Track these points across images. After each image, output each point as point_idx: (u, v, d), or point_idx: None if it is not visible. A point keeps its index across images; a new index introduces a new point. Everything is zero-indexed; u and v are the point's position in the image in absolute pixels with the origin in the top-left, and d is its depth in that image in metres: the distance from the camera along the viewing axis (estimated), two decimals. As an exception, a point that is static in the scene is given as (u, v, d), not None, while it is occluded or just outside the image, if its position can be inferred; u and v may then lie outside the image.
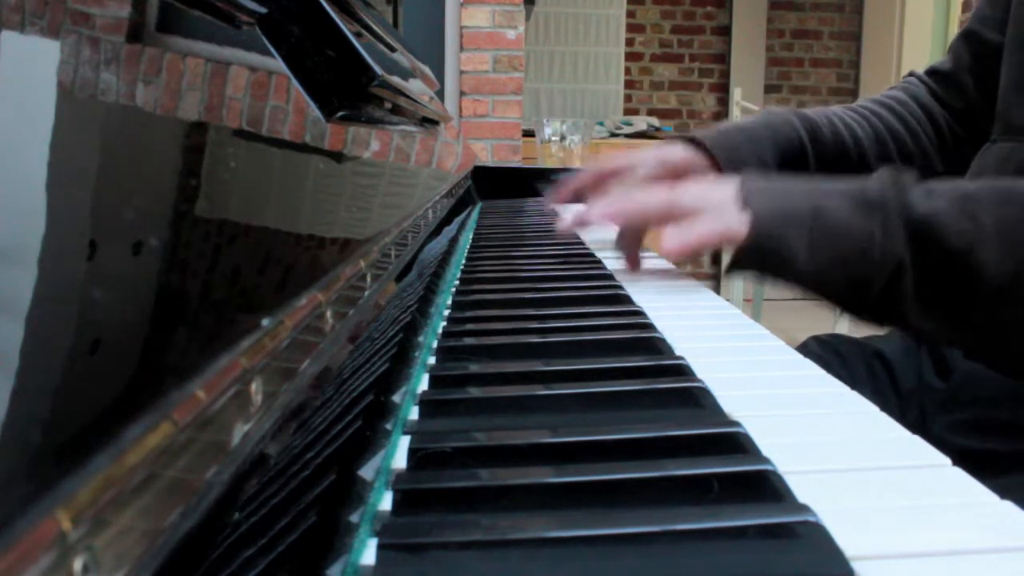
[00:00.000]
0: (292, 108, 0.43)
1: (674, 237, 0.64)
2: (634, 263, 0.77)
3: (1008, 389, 0.67)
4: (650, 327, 0.49)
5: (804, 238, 0.61)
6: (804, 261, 0.61)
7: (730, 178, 0.66)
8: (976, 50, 0.89)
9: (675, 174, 0.89)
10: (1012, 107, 0.77)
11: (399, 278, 0.53)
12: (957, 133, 0.93)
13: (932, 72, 0.96)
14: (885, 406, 0.37)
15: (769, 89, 4.92)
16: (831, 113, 0.94)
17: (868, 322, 0.65)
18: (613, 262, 0.77)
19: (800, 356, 0.47)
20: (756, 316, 3.08)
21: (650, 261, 0.83)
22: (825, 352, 0.82)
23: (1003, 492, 0.28)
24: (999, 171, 0.72)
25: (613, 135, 3.94)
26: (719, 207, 0.63)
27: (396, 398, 0.35)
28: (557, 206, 1.06)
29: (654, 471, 0.28)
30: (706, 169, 0.88)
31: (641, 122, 4.08)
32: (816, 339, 0.85)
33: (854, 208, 0.61)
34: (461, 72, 2.98)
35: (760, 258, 0.62)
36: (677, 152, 0.91)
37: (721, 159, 0.88)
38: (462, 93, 2.98)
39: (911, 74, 0.99)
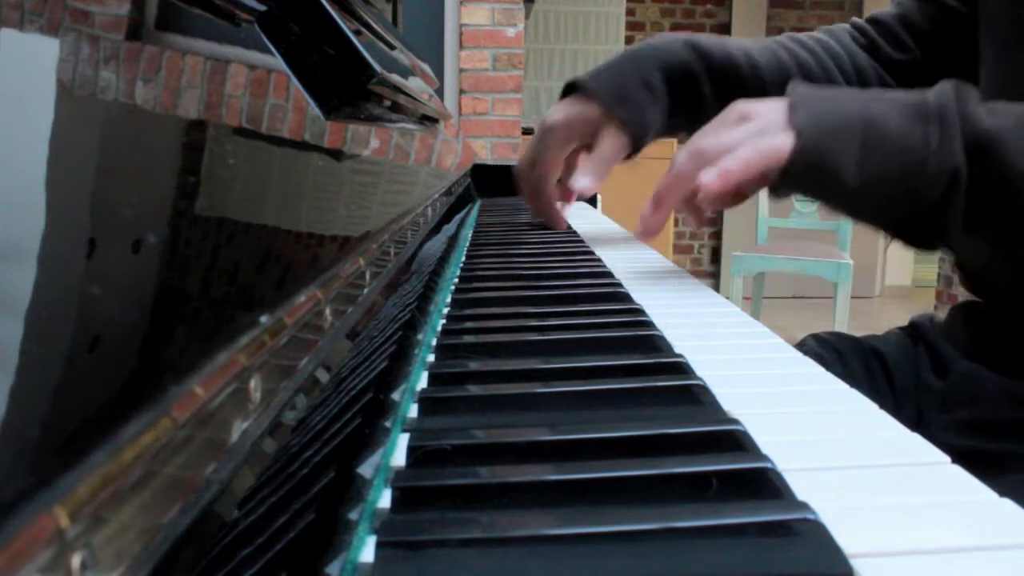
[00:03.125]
0: (291, 106, 0.43)
1: (710, 172, 0.60)
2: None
3: (1006, 389, 0.67)
4: (649, 325, 0.49)
5: (855, 149, 0.58)
6: (853, 174, 0.58)
7: (775, 100, 0.62)
8: (931, 13, 0.86)
9: (571, 136, 0.89)
10: (999, 100, 0.76)
11: (398, 276, 0.53)
12: (886, 80, 0.90)
13: (873, 20, 0.93)
14: (882, 404, 0.37)
15: (769, 87, 4.92)
16: (727, 41, 0.92)
17: (911, 243, 0.62)
18: (612, 261, 0.77)
19: (799, 354, 0.47)
20: (755, 314, 3.09)
21: (650, 261, 0.84)
22: (823, 350, 0.82)
23: (1001, 492, 0.28)
24: None
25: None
26: (764, 127, 0.60)
27: (395, 396, 0.35)
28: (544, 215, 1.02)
29: (653, 469, 0.28)
30: (599, 118, 0.87)
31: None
32: (814, 337, 0.85)
33: (910, 116, 0.58)
34: (461, 70, 2.98)
35: (806, 174, 0.59)
36: (565, 112, 0.90)
37: (611, 103, 0.86)
38: (461, 91, 2.98)
39: (851, 22, 0.97)
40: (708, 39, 0.91)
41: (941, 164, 0.56)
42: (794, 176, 0.60)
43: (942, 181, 0.57)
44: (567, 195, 0.97)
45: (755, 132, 0.61)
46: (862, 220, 0.63)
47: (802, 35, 0.94)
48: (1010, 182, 0.55)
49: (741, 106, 0.65)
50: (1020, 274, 0.65)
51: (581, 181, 0.83)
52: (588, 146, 0.90)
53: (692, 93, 0.88)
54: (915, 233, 0.61)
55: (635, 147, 0.88)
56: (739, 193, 0.65)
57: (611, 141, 0.86)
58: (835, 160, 0.58)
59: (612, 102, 0.86)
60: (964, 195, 0.56)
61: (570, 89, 0.91)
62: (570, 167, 0.94)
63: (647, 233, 0.74)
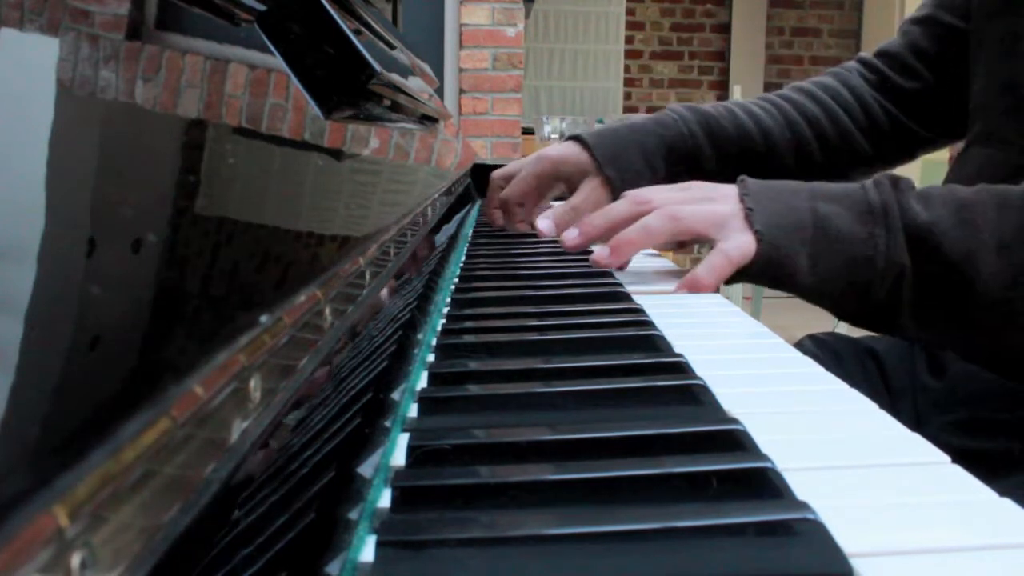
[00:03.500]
0: (291, 105, 0.43)
1: (696, 281, 0.64)
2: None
3: (1003, 389, 0.67)
4: (649, 324, 0.49)
5: (807, 249, 0.61)
6: (807, 271, 0.61)
7: (727, 187, 0.66)
8: (936, 33, 0.88)
9: (557, 174, 0.90)
10: (989, 112, 0.77)
11: (398, 275, 0.53)
12: (894, 115, 0.92)
13: (882, 53, 0.94)
14: (879, 405, 0.37)
15: (769, 87, 4.92)
16: (734, 105, 0.93)
17: (867, 328, 0.65)
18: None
19: (799, 354, 0.47)
20: (755, 314, 3.08)
21: (650, 261, 0.84)
22: (820, 350, 0.82)
23: (1000, 492, 0.28)
24: (983, 178, 0.72)
25: (613, 133, 3.93)
26: (724, 224, 0.63)
27: (395, 395, 0.35)
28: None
29: (653, 468, 0.28)
30: (587, 168, 0.88)
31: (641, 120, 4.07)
32: (812, 337, 0.85)
33: (856, 216, 0.61)
34: (460, 70, 2.98)
35: (766, 273, 0.63)
36: (560, 151, 0.91)
37: (602, 159, 0.87)
38: (461, 91, 2.98)
39: (858, 58, 0.98)
40: (717, 110, 0.92)
41: (888, 261, 0.60)
42: (753, 276, 0.64)
43: (891, 275, 0.60)
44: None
45: (719, 225, 0.64)
46: (822, 307, 0.66)
47: (809, 84, 0.95)
48: (951, 267, 0.58)
49: (702, 187, 0.68)
50: (978, 354, 0.67)
51: (542, 222, 0.83)
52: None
53: (693, 168, 0.89)
54: (872, 320, 0.64)
55: None
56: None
57: (589, 193, 0.87)
58: (791, 262, 0.62)
59: (605, 158, 0.88)
60: (911, 286, 0.60)
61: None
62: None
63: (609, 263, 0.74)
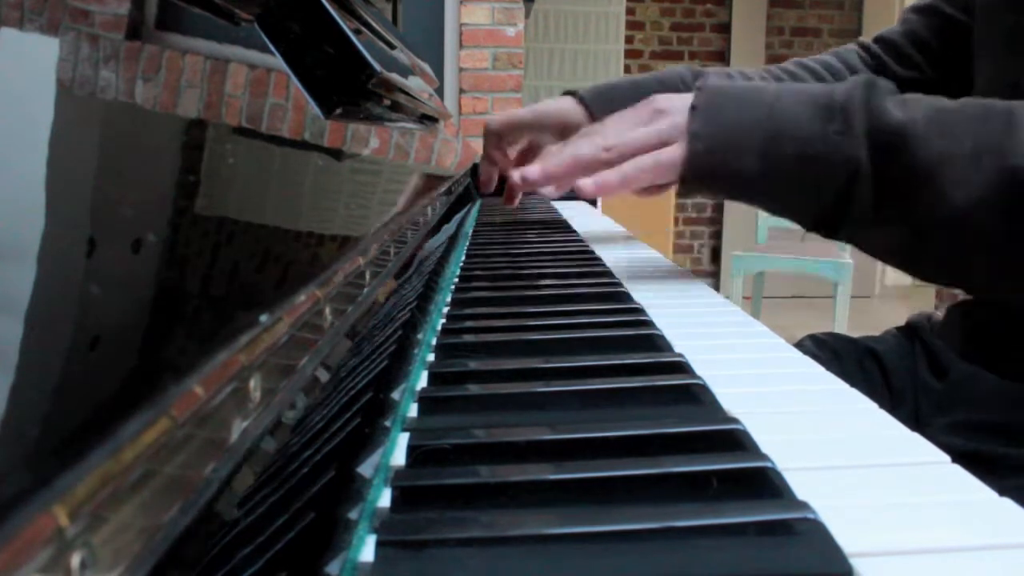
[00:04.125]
0: (291, 105, 0.43)
1: (600, 179, 0.64)
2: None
3: (1004, 390, 0.67)
4: (649, 324, 0.49)
5: (755, 147, 0.60)
6: (753, 171, 0.60)
7: (684, 98, 0.65)
8: (936, 24, 0.87)
9: (550, 125, 0.91)
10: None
11: (398, 275, 0.53)
12: None
13: (880, 39, 0.94)
14: (879, 405, 0.37)
15: (769, 87, 4.92)
16: (735, 71, 0.93)
17: (820, 234, 0.64)
18: (612, 260, 0.77)
19: (799, 353, 0.47)
20: (755, 313, 3.09)
21: (650, 260, 0.84)
22: (820, 350, 0.82)
23: (1001, 493, 0.28)
24: None
25: (613, 133, 3.93)
26: (668, 132, 0.63)
27: (395, 395, 0.35)
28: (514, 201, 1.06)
29: (653, 468, 0.28)
30: (581, 121, 0.89)
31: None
32: (811, 337, 0.85)
33: (814, 112, 0.59)
34: (460, 69, 2.98)
35: (701, 180, 0.62)
36: (556, 103, 0.92)
37: (598, 113, 0.88)
38: (461, 90, 2.98)
39: (857, 41, 0.97)
40: (714, 71, 0.92)
41: (843, 157, 0.57)
42: (691, 184, 0.63)
43: (842, 173, 0.57)
44: (513, 187, 1.00)
45: (657, 138, 0.64)
46: (772, 213, 0.65)
47: (809, 60, 0.95)
48: (919, 175, 0.55)
49: (659, 101, 0.67)
50: (930, 271, 0.64)
51: (530, 170, 0.79)
52: None
53: None
54: (824, 226, 0.62)
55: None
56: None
57: None
58: (730, 163, 0.60)
59: (598, 108, 0.88)
60: (871, 188, 0.57)
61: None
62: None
63: (522, 186, 0.75)
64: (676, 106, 0.65)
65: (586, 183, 0.64)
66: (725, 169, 0.61)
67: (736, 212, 4.88)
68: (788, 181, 0.60)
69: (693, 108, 0.63)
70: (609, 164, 0.66)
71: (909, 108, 0.57)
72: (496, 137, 0.98)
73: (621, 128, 0.67)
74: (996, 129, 0.54)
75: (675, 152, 0.62)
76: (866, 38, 0.96)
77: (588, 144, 0.68)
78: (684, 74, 0.92)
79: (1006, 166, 0.52)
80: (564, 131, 0.91)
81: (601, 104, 0.89)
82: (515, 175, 0.76)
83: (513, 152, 1.00)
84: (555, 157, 0.71)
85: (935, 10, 0.87)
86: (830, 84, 0.62)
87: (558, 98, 0.94)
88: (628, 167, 0.63)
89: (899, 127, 0.56)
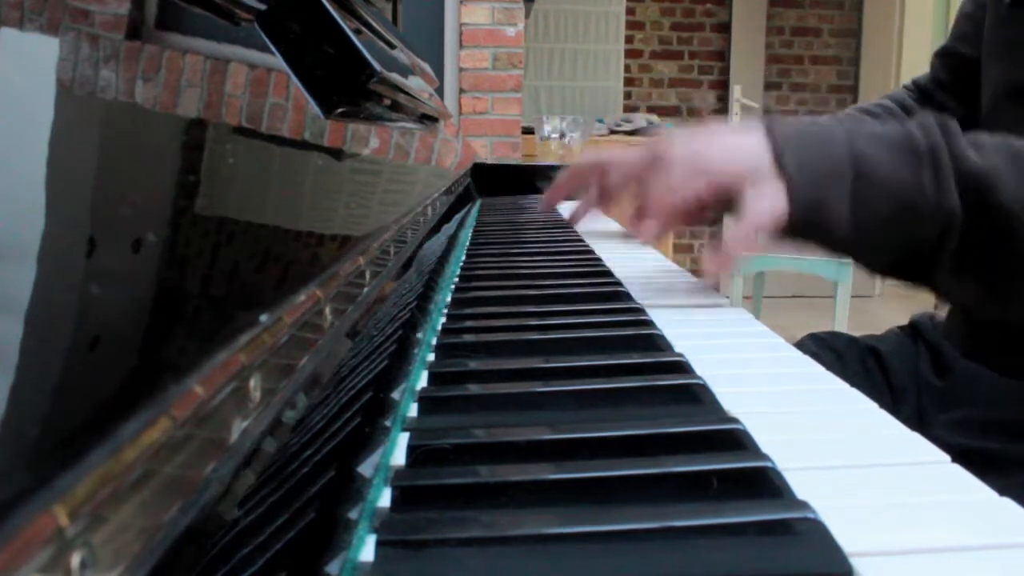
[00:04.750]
0: (291, 105, 0.43)
1: (715, 259, 0.58)
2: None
3: (1007, 388, 0.67)
4: (650, 324, 0.49)
5: (845, 194, 0.55)
6: (846, 222, 0.55)
7: (751, 126, 0.59)
8: (953, 66, 0.88)
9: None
10: (998, 121, 0.76)
11: (398, 275, 0.53)
12: None
13: (914, 87, 0.95)
14: (879, 403, 0.37)
15: (769, 86, 4.92)
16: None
17: (900, 279, 0.60)
18: (612, 260, 0.77)
19: (800, 353, 0.47)
20: (755, 313, 3.08)
21: (650, 260, 0.84)
22: (821, 349, 0.82)
23: (1001, 491, 0.28)
24: None
25: (612, 132, 3.93)
26: (754, 174, 0.56)
27: (395, 395, 0.35)
28: (553, 206, 1.02)
29: (653, 468, 0.28)
30: None
31: (640, 119, 4.07)
32: (812, 336, 0.85)
33: (901, 156, 0.55)
34: (460, 69, 2.97)
35: (802, 230, 0.57)
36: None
37: None
38: (461, 90, 2.98)
39: (906, 86, 0.98)
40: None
41: (938, 207, 0.55)
42: (794, 231, 0.57)
43: (938, 224, 0.55)
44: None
45: (747, 178, 0.57)
46: (854, 260, 0.61)
47: (868, 104, 0.95)
48: (1009, 218, 0.54)
49: (726, 136, 0.61)
50: (1008, 315, 0.63)
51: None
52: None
53: None
54: (907, 274, 0.59)
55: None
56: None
57: None
58: (828, 210, 0.55)
59: None
60: (959, 237, 0.55)
61: None
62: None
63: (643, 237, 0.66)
64: (749, 144, 0.58)
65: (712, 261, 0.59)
66: (820, 217, 0.56)
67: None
68: (882, 229, 0.56)
69: (778, 149, 0.56)
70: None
71: (986, 153, 0.55)
72: (601, 170, 0.90)
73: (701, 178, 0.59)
74: None
75: (777, 202, 0.56)
76: (909, 81, 0.97)
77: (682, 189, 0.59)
78: None
79: None
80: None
81: None
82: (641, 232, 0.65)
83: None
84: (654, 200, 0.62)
85: (949, 52, 0.89)
86: (899, 126, 0.58)
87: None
88: (735, 237, 0.57)
89: (984, 172, 0.54)
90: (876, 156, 0.55)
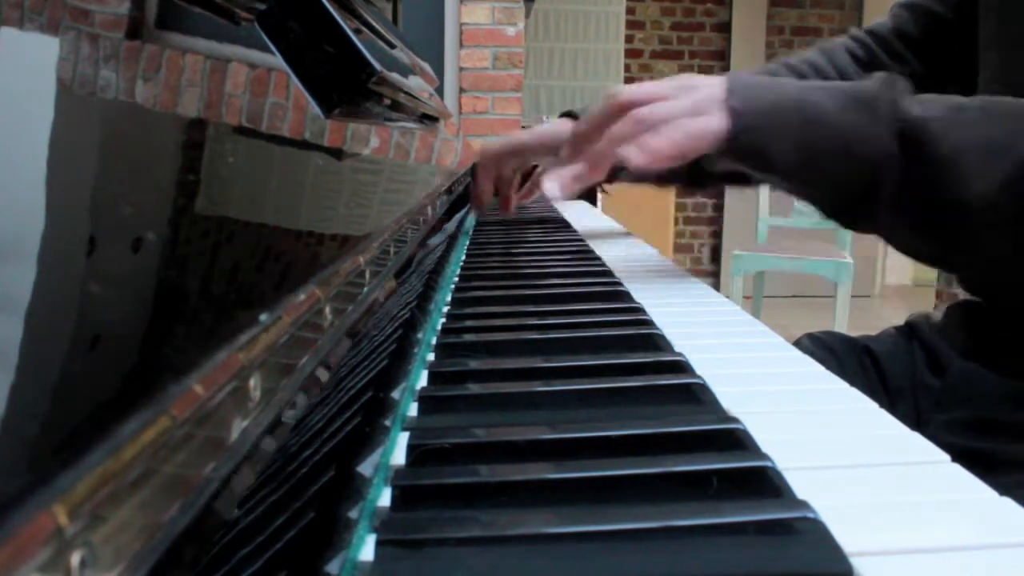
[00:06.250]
0: (291, 104, 0.43)
1: (639, 148, 0.62)
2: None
3: (1004, 388, 0.67)
4: (649, 323, 0.49)
5: (791, 131, 0.61)
6: (788, 154, 0.61)
7: (712, 78, 0.65)
8: (924, 23, 0.87)
9: (555, 150, 0.89)
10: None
11: (398, 274, 0.53)
12: None
13: (871, 33, 0.93)
14: (878, 403, 0.37)
15: (769, 86, 4.92)
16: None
17: (844, 224, 0.65)
18: (612, 259, 0.77)
19: (799, 353, 0.47)
20: (755, 313, 3.08)
21: (650, 260, 0.84)
22: (818, 349, 0.82)
23: (1001, 491, 0.28)
24: None
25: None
26: (702, 105, 0.62)
27: (395, 394, 0.35)
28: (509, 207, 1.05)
29: (653, 467, 0.28)
30: None
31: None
32: (809, 336, 0.85)
33: (844, 103, 0.61)
34: (460, 69, 2.97)
35: (740, 154, 0.62)
36: (555, 127, 0.92)
37: None
38: (461, 90, 2.98)
39: (850, 34, 0.97)
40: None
41: (871, 150, 0.59)
42: (728, 155, 0.63)
43: (871, 164, 0.59)
44: (525, 193, 1.03)
45: (691, 110, 0.63)
46: (797, 196, 0.66)
47: (795, 59, 0.95)
48: (940, 166, 0.58)
49: (686, 78, 0.67)
50: (950, 263, 0.67)
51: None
52: None
53: None
54: (847, 214, 0.64)
55: (609, 176, 0.89)
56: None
57: None
58: (769, 141, 0.61)
59: None
60: (895, 180, 0.59)
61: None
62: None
63: (567, 188, 0.69)
64: (706, 82, 0.65)
65: (632, 153, 0.63)
66: (763, 149, 0.62)
67: (736, 211, 4.87)
68: (821, 168, 0.61)
69: (730, 87, 0.63)
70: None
71: (928, 105, 0.60)
72: (494, 162, 0.97)
73: (654, 96, 0.65)
74: (1010, 123, 0.57)
75: (714, 122, 0.62)
76: (858, 29, 0.96)
77: (623, 124, 0.65)
78: None
79: (1020, 157, 0.56)
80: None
81: None
82: (548, 185, 0.70)
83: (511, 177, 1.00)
84: (598, 145, 0.67)
85: (920, 7, 0.88)
86: (853, 81, 0.64)
87: (555, 121, 0.94)
88: (676, 134, 0.62)
89: (922, 121, 0.59)
90: (823, 101, 0.61)
